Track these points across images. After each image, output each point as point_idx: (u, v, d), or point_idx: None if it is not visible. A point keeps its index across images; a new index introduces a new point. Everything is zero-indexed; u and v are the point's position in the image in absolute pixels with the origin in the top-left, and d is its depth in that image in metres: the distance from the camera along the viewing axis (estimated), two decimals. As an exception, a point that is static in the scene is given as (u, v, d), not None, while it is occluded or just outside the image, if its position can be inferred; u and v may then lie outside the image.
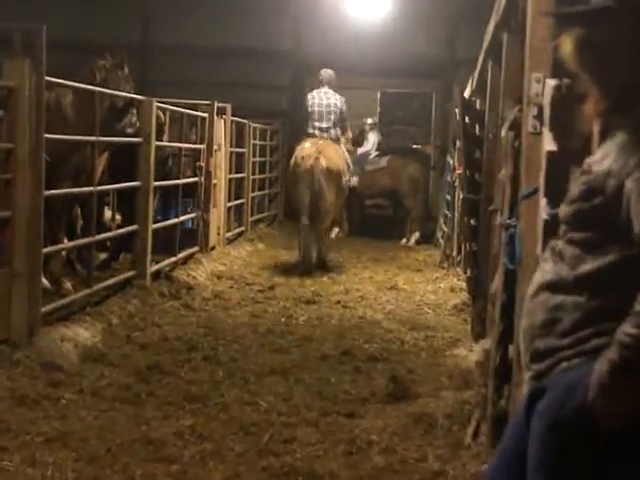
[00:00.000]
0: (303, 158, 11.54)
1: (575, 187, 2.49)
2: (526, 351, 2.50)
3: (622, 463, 2.27)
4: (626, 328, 2.18)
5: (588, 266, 2.37)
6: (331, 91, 12.03)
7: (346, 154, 12.30)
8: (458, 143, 10.18)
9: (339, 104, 11.97)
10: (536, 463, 2.40)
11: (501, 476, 2.63)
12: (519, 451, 2.51)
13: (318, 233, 11.69)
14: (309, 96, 12.10)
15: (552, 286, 2.44)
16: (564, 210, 2.51)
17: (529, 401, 2.48)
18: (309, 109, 11.95)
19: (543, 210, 3.59)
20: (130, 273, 9.11)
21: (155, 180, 9.44)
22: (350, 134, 12.98)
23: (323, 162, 11.40)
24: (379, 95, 19.24)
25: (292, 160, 11.98)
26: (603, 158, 2.37)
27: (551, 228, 3.24)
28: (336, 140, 12.00)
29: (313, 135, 11.87)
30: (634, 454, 2.26)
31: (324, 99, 11.94)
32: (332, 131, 11.96)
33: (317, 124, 11.88)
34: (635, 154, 2.27)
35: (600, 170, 2.35)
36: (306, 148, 11.66)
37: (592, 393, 2.24)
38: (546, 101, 3.77)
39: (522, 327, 2.54)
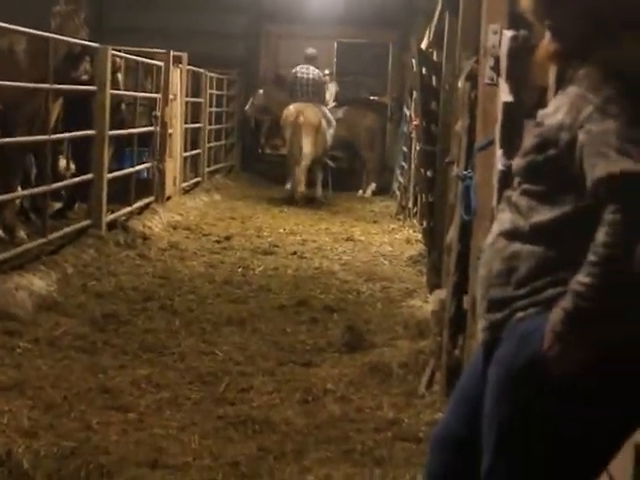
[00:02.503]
0: (287, 117, 14.36)
1: (528, 139, 2.51)
2: (482, 300, 2.52)
3: (572, 408, 2.32)
4: (580, 278, 2.22)
5: (542, 217, 2.39)
6: (312, 67, 14.82)
7: (327, 114, 14.87)
8: (415, 94, 10.17)
9: (315, 75, 14.79)
10: (491, 411, 2.44)
11: (456, 425, 2.68)
12: (475, 399, 2.55)
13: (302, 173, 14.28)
14: (294, 69, 14.86)
15: (509, 235, 2.47)
16: (517, 162, 2.54)
17: (485, 351, 2.52)
18: (294, 79, 14.75)
19: (499, 161, 3.62)
20: (85, 222, 9.03)
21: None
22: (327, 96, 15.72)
23: (301, 119, 14.12)
24: (335, 46, 19.10)
25: (281, 120, 14.82)
26: (555, 111, 2.39)
27: (507, 179, 3.27)
28: (316, 103, 14.63)
29: (296, 100, 14.55)
30: (583, 400, 2.31)
31: (305, 71, 14.74)
32: (311, 96, 14.62)
33: (299, 90, 14.64)
34: (586, 107, 2.29)
35: (553, 123, 2.37)
36: (290, 109, 14.38)
37: (546, 341, 2.28)
38: (503, 52, 3.78)
39: (479, 276, 2.56)
